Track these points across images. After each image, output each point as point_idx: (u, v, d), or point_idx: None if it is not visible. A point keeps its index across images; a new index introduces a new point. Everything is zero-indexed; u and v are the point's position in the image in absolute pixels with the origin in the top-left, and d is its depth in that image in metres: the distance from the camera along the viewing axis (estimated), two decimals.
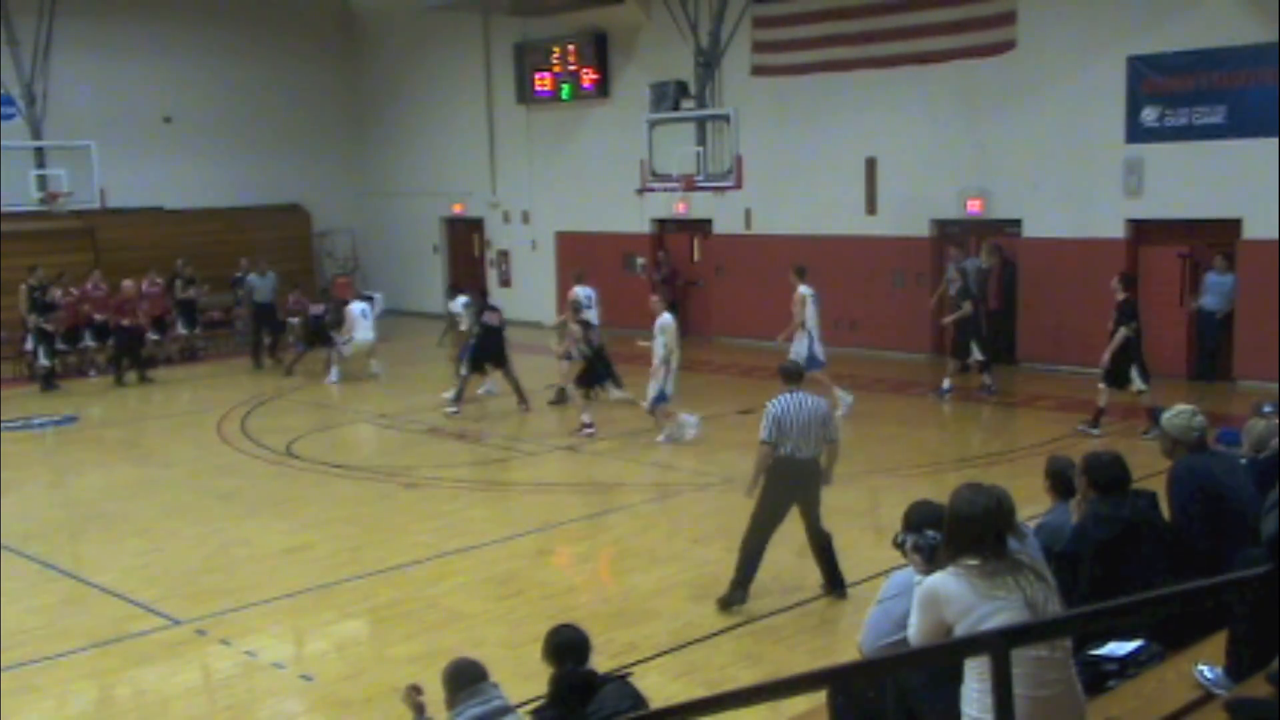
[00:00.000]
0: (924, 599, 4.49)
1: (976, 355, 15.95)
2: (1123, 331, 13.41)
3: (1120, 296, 13.61)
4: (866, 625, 5.52)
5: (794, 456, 8.78)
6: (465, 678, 5.21)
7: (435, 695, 5.37)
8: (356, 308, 19.47)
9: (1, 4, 22.24)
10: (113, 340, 20.24)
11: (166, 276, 22.19)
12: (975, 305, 16.03)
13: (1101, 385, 13.66)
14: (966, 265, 17.05)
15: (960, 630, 4.33)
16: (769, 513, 8.92)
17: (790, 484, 8.87)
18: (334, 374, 19.36)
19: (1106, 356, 13.55)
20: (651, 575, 9.82)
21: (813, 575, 9.28)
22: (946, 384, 16.10)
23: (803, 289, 15.63)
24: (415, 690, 5.44)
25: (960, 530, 4.50)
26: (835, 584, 9.09)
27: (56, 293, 20.30)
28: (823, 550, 9.09)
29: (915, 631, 4.53)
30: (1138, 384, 13.57)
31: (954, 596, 4.36)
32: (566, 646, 5.41)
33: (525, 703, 5.92)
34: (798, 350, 15.13)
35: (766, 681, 6.33)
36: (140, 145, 24.41)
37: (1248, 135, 15.75)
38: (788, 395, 8.87)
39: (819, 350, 15.43)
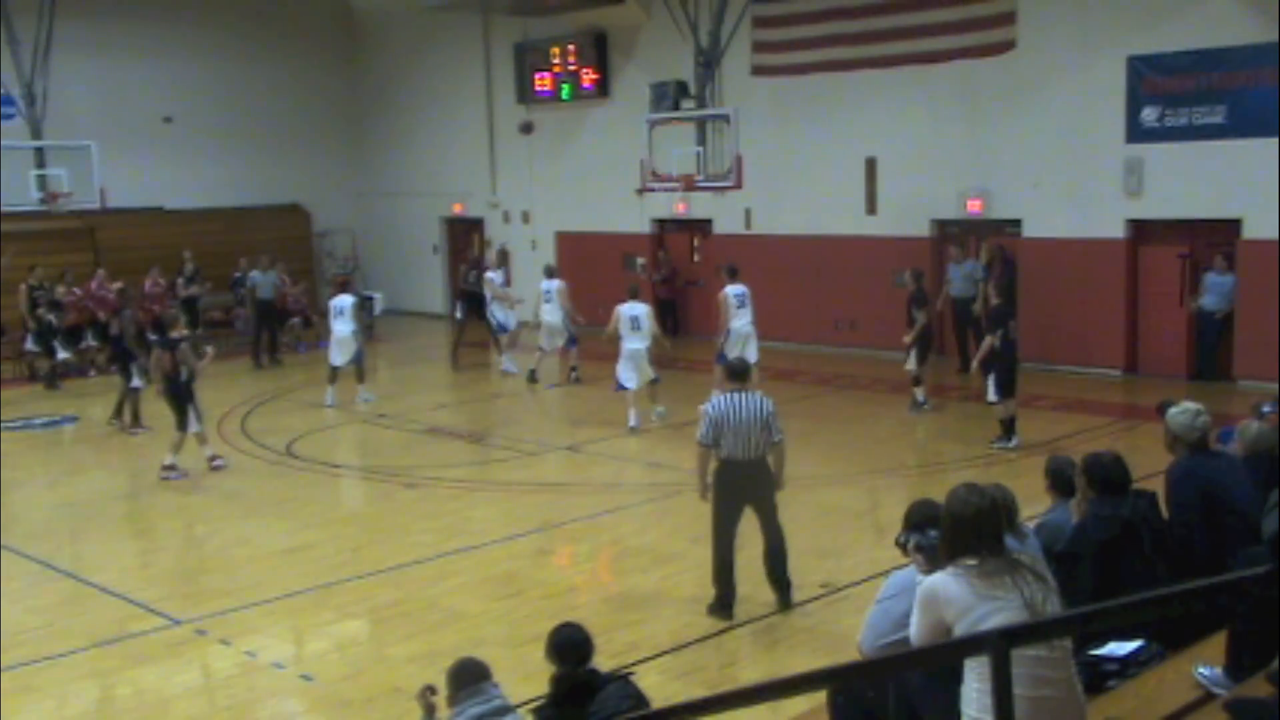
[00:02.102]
0: (923, 599, 4.50)
1: (911, 366, 15.30)
2: (988, 340, 13.28)
3: (994, 302, 13.56)
4: (866, 625, 5.52)
5: (733, 458, 8.51)
6: (467, 677, 5.22)
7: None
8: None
9: (1, 4, 22.24)
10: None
11: (170, 275, 22.21)
12: (928, 315, 15.42)
13: (993, 400, 13.36)
14: (916, 271, 16.82)
15: (959, 630, 4.33)
16: (718, 519, 8.71)
17: (734, 487, 8.63)
18: (330, 396, 17.40)
19: (975, 365, 13.46)
20: (651, 575, 9.82)
21: (812, 575, 9.29)
22: (919, 395, 15.54)
23: (727, 289, 16.00)
24: (430, 691, 5.45)
25: (957, 531, 4.50)
26: (783, 599, 8.82)
27: (59, 289, 20.30)
28: (774, 568, 8.79)
29: (915, 631, 4.54)
30: (990, 394, 13.32)
31: (953, 597, 4.36)
32: (568, 645, 5.41)
33: (525, 702, 5.93)
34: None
35: (766, 681, 6.33)
36: (140, 145, 24.42)
37: (1248, 135, 15.75)
38: (729, 395, 8.59)
39: (729, 349, 15.51)
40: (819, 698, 5.65)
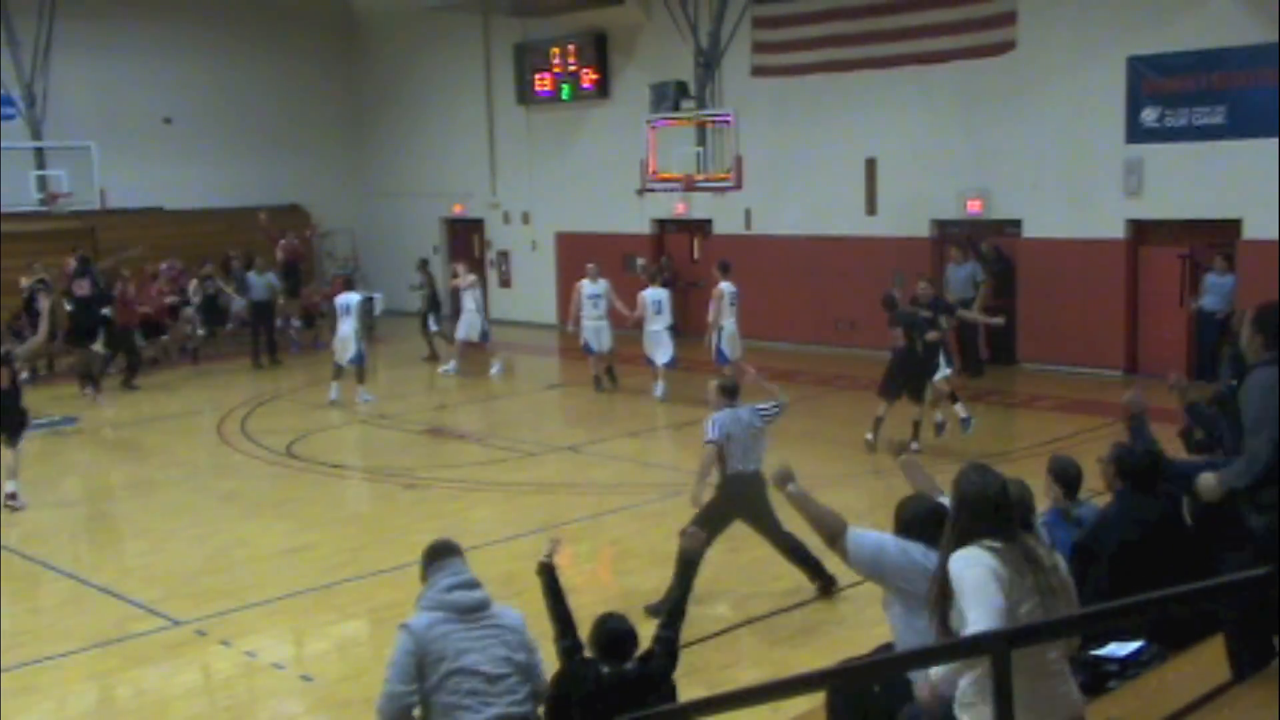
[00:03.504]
0: (976, 576, 4.20)
1: (944, 370, 13.55)
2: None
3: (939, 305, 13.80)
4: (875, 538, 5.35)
5: (740, 472, 8.78)
6: (436, 553, 5.51)
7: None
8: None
9: (1, 4, 22.23)
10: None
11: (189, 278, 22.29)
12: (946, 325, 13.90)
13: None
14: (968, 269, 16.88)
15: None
16: (711, 525, 8.66)
17: (739, 500, 8.83)
18: (333, 391, 17.47)
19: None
20: (651, 575, 9.78)
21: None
22: (938, 418, 13.86)
23: (723, 285, 16.22)
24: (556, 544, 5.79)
25: (967, 514, 4.36)
26: (823, 579, 8.93)
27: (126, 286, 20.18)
28: (795, 552, 8.95)
29: (981, 611, 4.15)
30: (944, 372, 13.35)
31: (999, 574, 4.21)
32: (613, 640, 5.37)
33: None
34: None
35: (767, 682, 6.33)
36: (140, 145, 24.39)
37: (1248, 135, 15.74)
38: (730, 410, 8.89)
39: (726, 348, 16.20)
40: (819, 698, 5.64)
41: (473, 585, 5.34)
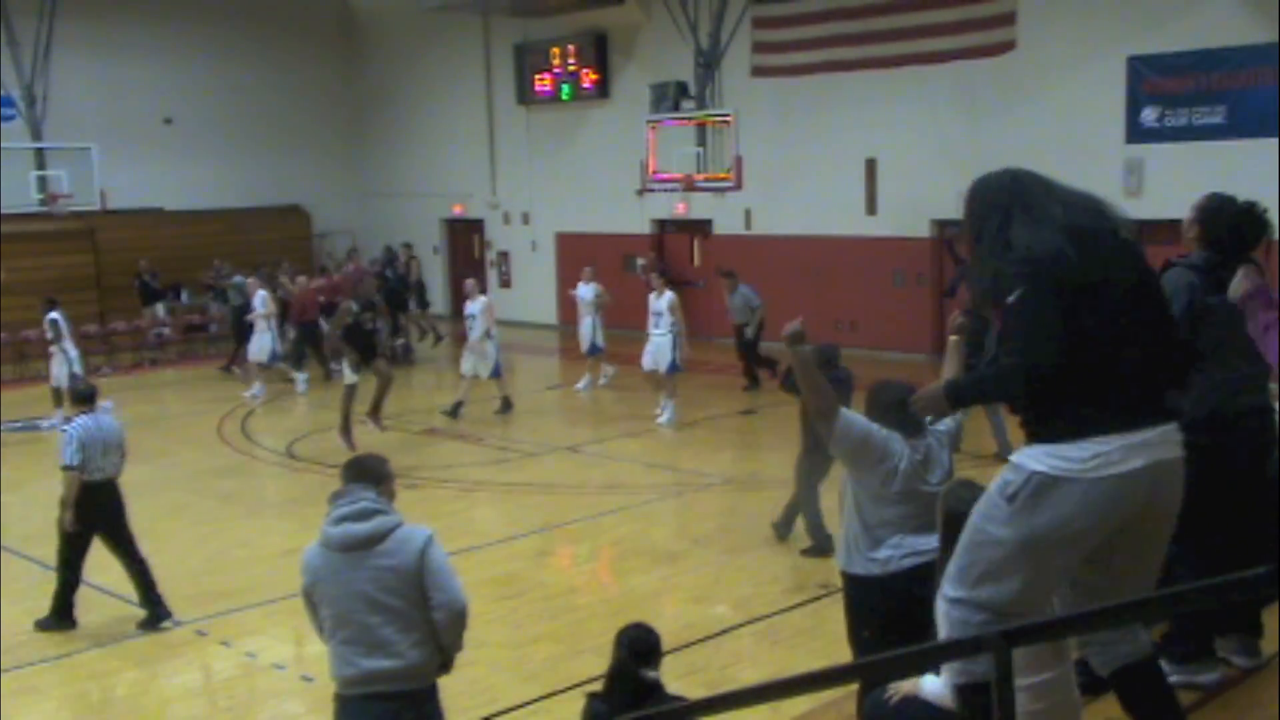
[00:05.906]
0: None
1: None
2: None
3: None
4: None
5: (97, 480, 8.71)
6: (346, 474, 4.92)
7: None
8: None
9: (2, 4, 22.25)
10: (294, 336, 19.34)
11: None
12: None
13: None
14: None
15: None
16: (79, 540, 8.82)
17: (96, 510, 8.77)
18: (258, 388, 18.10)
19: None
20: (652, 576, 9.82)
21: (812, 575, 9.29)
22: None
23: (670, 294, 15.62)
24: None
25: (957, 532, 4.24)
26: (155, 612, 8.91)
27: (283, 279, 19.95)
28: (144, 577, 8.98)
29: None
30: None
31: None
32: (630, 640, 5.33)
33: (526, 703, 5.92)
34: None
35: (766, 681, 6.33)
36: (140, 146, 24.42)
37: (1248, 135, 15.74)
38: (86, 417, 8.74)
39: (599, 339, 17.43)
40: (819, 697, 5.66)
41: (365, 515, 4.73)
